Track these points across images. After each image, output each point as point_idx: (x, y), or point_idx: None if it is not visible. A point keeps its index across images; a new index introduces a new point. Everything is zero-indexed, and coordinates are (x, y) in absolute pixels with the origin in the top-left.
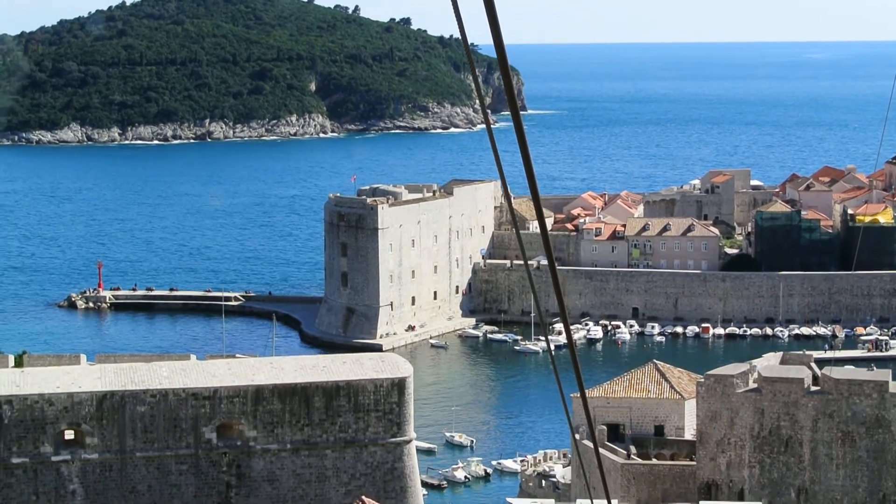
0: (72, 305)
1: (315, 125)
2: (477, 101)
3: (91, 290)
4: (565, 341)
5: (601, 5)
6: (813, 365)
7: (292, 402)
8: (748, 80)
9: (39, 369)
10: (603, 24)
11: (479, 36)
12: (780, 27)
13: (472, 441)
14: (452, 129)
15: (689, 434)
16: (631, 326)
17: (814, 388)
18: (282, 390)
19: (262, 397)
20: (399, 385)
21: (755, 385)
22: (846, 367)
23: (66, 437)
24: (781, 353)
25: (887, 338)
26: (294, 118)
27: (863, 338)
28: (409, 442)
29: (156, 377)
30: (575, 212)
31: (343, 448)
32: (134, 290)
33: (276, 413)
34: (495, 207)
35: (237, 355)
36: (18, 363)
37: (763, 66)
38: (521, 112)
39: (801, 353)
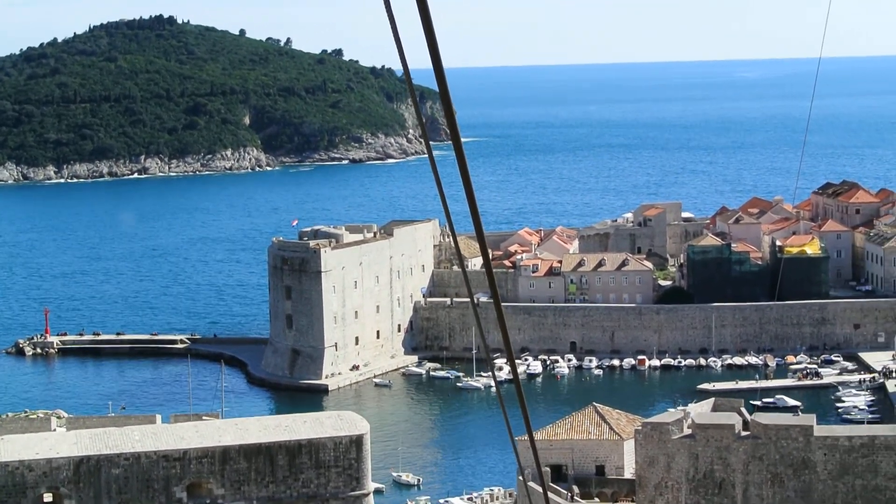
0: (20, 352)
1: (250, 159)
2: (410, 131)
3: (38, 336)
4: (507, 376)
5: (523, 25)
6: (743, 410)
7: (257, 461)
8: (679, 102)
9: (18, 436)
10: (525, 46)
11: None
12: (709, 45)
13: (418, 480)
14: (388, 160)
15: (629, 473)
16: (569, 360)
17: (744, 433)
18: (247, 450)
19: (228, 457)
20: (357, 442)
21: (689, 431)
22: (776, 396)
23: (45, 500)
24: (713, 399)
25: (816, 366)
26: (229, 152)
27: (793, 366)
28: (367, 495)
29: (128, 441)
30: (512, 248)
31: (306, 503)
32: (81, 335)
33: (243, 471)
34: (434, 246)
35: (203, 416)
36: None
37: (694, 87)
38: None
39: (733, 389)
